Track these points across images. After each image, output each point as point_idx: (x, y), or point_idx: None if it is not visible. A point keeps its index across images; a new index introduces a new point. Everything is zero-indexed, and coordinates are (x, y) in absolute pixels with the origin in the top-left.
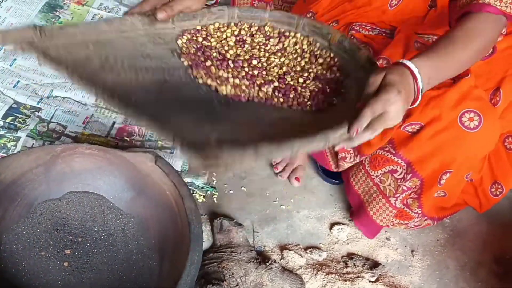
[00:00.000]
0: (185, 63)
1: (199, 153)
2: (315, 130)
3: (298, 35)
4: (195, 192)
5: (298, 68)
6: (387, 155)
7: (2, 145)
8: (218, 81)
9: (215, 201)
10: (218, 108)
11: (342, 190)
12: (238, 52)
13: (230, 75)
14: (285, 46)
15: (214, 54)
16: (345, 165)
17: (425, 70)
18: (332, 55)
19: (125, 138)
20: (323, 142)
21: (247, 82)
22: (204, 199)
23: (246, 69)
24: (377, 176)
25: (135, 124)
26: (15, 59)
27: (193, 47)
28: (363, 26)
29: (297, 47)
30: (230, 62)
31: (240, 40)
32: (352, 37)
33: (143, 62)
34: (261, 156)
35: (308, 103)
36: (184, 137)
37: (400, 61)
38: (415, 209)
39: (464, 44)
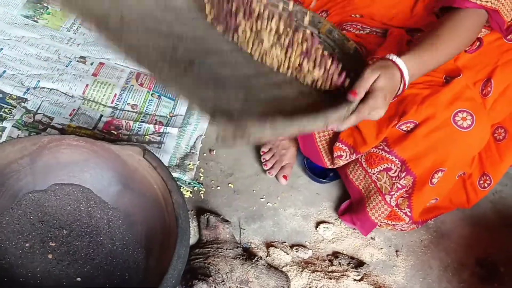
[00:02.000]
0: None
1: (231, 124)
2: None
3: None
4: (182, 187)
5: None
6: (382, 153)
7: None
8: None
9: (202, 197)
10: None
11: (328, 189)
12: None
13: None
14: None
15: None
16: (340, 163)
17: (411, 66)
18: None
19: (112, 131)
20: (322, 121)
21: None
22: (191, 195)
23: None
24: (374, 174)
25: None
26: (1, 49)
27: None
28: (354, 26)
29: None
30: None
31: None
32: None
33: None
34: (278, 130)
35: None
36: (215, 107)
37: (390, 57)
38: (404, 209)
39: (449, 39)
